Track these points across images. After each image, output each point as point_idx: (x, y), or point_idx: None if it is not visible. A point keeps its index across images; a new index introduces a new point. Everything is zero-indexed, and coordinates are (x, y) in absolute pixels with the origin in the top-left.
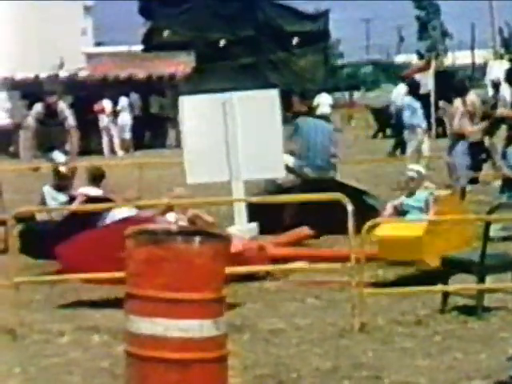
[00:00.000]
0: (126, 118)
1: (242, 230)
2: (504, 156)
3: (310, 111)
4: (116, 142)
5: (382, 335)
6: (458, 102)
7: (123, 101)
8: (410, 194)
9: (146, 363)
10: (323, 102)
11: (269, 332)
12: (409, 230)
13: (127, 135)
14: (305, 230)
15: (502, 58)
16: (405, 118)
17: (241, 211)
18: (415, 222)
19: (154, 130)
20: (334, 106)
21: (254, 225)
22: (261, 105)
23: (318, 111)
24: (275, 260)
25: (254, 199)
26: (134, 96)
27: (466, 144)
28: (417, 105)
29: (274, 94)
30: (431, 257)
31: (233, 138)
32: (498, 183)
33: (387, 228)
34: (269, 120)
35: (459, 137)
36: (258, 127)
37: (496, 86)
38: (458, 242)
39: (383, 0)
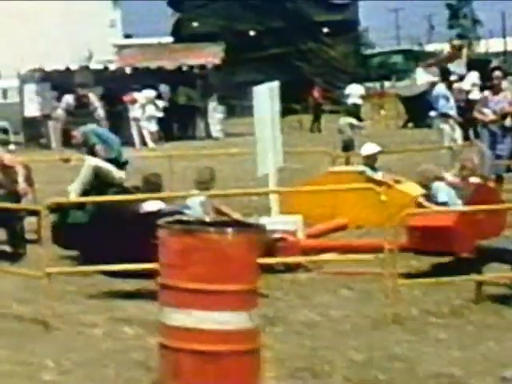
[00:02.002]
0: (152, 110)
1: (284, 221)
2: None
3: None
4: (145, 133)
5: (416, 326)
6: (486, 91)
7: (149, 92)
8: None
9: (180, 355)
10: (354, 92)
11: (302, 324)
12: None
13: (154, 127)
14: (339, 221)
15: None
16: (439, 107)
17: (274, 201)
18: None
19: (183, 121)
20: (364, 97)
21: (298, 217)
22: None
23: (349, 101)
24: (308, 251)
25: (285, 189)
26: (164, 87)
27: (488, 133)
28: (449, 94)
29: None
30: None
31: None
32: None
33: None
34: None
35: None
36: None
37: None
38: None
39: None
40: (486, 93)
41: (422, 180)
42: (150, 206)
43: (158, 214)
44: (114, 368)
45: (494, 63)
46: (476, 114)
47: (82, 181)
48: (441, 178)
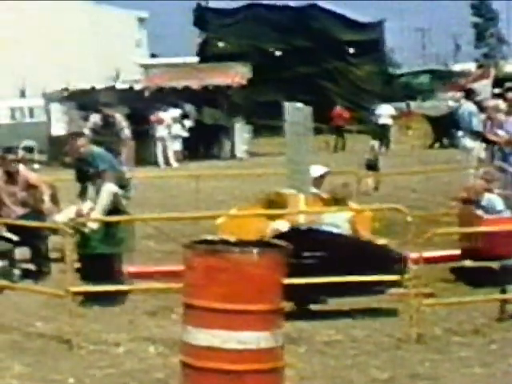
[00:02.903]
0: (178, 130)
1: None
2: None
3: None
4: (170, 153)
5: (439, 345)
6: (499, 113)
7: (174, 112)
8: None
9: (202, 374)
10: (385, 112)
11: (325, 344)
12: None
13: (179, 146)
14: None
15: None
16: (467, 125)
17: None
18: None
19: (209, 140)
20: (395, 117)
21: None
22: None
23: (380, 121)
24: None
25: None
26: (189, 107)
27: (501, 154)
28: (476, 112)
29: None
30: None
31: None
32: None
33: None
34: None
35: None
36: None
37: None
38: None
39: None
40: (499, 115)
41: (472, 195)
42: (281, 225)
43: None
44: None
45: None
46: (490, 136)
47: (104, 208)
48: (490, 190)
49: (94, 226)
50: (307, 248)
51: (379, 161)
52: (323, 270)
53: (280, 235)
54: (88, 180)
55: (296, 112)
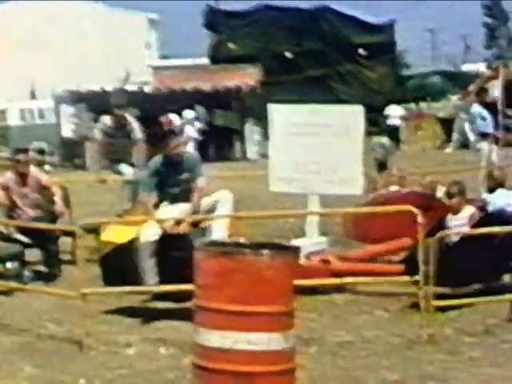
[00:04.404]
0: (190, 131)
1: (311, 243)
2: None
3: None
4: None
5: (450, 346)
6: None
7: (188, 114)
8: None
9: (214, 375)
10: (393, 113)
11: (336, 344)
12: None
13: (191, 148)
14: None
15: None
16: (477, 127)
17: (313, 224)
18: None
19: (220, 142)
20: (403, 118)
21: (324, 238)
22: (345, 119)
23: (388, 122)
24: (341, 274)
25: (324, 211)
26: (200, 109)
27: None
28: (486, 113)
29: (358, 110)
30: None
31: (310, 150)
32: None
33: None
34: (351, 136)
35: None
36: (339, 142)
37: None
38: None
39: (448, 9)
40: None
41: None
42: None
43: None
44: None
45: None
46: (503, 138)
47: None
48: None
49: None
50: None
51: (387, 160)
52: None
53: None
54: (175, 186)
55: (278, 113)
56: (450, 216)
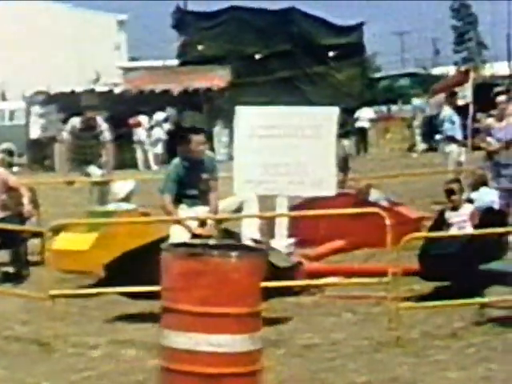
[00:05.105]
0: (159, 133)
1: (279, 244)
2: None
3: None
4: (150, 156)
5: (417, 349)
6: (489, 118)
7: (158, 115)
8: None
9: (180, 377)
10: (363, 116)
11: (304, 347)
12: (78, 243)
13: (160, 149)
14: (338, 243)
15: None
16: (444, 130)
17: (283, 226)
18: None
19: None
20: (372, 120)
21: (292, 240)
22: (317, 121)
23: (357, 125)
24: (312, 275)
25: (292, 214)
26: (171, 110)
27: (492, 162)
28: (456, 117)
29: (333, 111)
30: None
31: (283, 153)
32: None
33: (63, 241)
34: (324, 137)
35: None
36: (311, 143)
37: None
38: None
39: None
40: (489, 120)
41: None
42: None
43: None
44: None
45: (500, 87)
46: (479, 143)
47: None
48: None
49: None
50: None
51: (348, 162)
52: None
53: None
54: (194, 187)
55: (245, 115)
56: (450, 213)
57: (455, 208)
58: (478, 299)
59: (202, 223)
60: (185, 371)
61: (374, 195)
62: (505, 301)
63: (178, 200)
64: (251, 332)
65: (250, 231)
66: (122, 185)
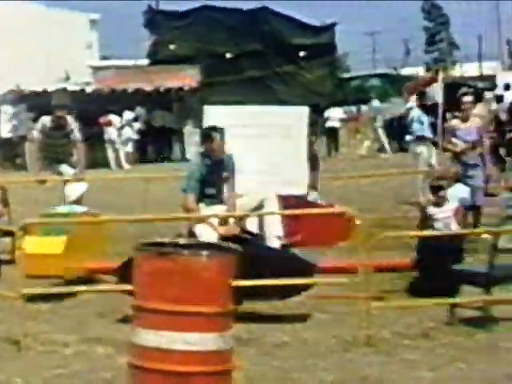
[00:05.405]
0: (129, 132)
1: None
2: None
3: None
4: (122, 155)
5: (388, 348)
6: (453, 119)
7: (127, 115)
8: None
9: (149, 375)
10: (333, 115)
11: (274, 345)
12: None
13: (130, 149)
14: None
15: (510, 69)
16: (414, 130)
17: (253, 225)
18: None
19: (159, 143)
20: (345, 120)
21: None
22: (288, 120)
23: (327, 124)
24: None
25: (255, 213)
26: (140, 110)
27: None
28: (425, 117)
29: (303, 111)
30: (71, 271)
31: (254, 152)
32: (505, 196)
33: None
34: (294, 137)
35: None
36: (282, 143)
37: (499, 99)
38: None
39: (388, 12)
40: (454, 121)
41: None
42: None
43: None
44: None
45: (465, 88)
46: (445, 145)
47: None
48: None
49: None
50: None
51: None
52: None
53: None
54: (213, 186)
55: (214, 115)
56: (433, 209)
57: (439, 204)
58: (449, 299)
59: (224, 222)
60: (155, 369)
61: (312, 195)
62: (475, 301)
63: (198, 199)
64: (221, 331)
65: (274, 229)
66: (75, 187)
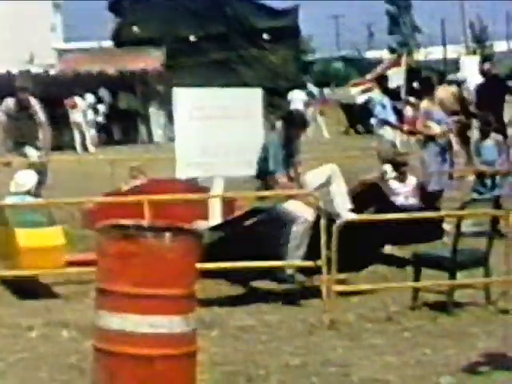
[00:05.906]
0: (93, 114)
1: None
2: (477, 152)
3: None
4: (87, 138)
5: (352, 332)
6: (424, 102)
7: (90, 97)
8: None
9: (114, 359)
10: (296, 97)
11: (238, 328)
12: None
13: (94, 131)
14: None
15: (474, 53)
16: (376, 113)
17: (216, 208)
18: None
19: (125, 125)
20: (307, 104)
21: None
22: (245, 102)
23: (291, 107)
24: None
25: (228, 194)
26: (104, 92)
27: (436, 146)
28: (386, 100)
29: (256, 92)
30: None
31: (215, 133)
32: (471, 179)
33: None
34: (251, 117)
35: (428, 139)
36: (241, 124)
37: (459, 84)
38: None
39: None
40: (425, 103)
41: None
42: None
43: None
44: (48, 371)
45: (427, 72)
46: (421, 129)
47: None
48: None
49: None
50: None
51: None
52: None
53: None
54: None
55: (183, 97)
56: (397, 184)
57: (402, 179)
58: (412, 283)
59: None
60: (119, 352)
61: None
62: (439, 285)
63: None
64: (185, 313)
65: (342, 202)
66: (28, 175)
